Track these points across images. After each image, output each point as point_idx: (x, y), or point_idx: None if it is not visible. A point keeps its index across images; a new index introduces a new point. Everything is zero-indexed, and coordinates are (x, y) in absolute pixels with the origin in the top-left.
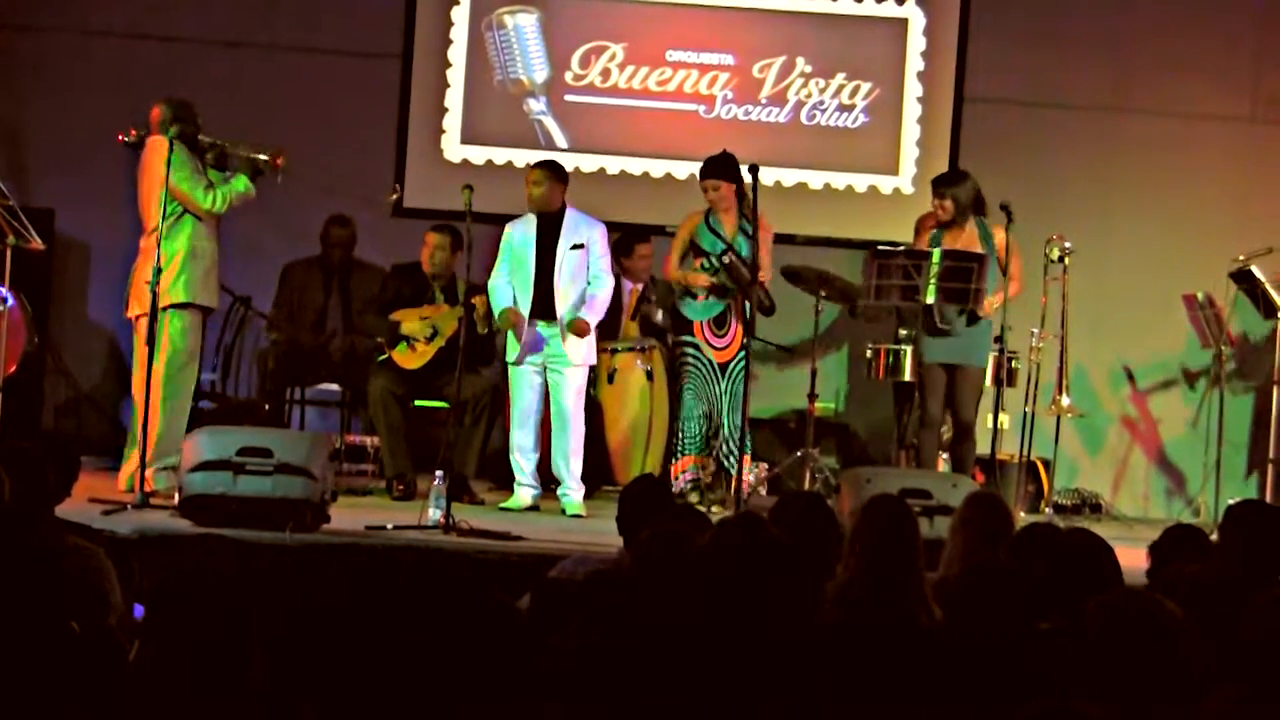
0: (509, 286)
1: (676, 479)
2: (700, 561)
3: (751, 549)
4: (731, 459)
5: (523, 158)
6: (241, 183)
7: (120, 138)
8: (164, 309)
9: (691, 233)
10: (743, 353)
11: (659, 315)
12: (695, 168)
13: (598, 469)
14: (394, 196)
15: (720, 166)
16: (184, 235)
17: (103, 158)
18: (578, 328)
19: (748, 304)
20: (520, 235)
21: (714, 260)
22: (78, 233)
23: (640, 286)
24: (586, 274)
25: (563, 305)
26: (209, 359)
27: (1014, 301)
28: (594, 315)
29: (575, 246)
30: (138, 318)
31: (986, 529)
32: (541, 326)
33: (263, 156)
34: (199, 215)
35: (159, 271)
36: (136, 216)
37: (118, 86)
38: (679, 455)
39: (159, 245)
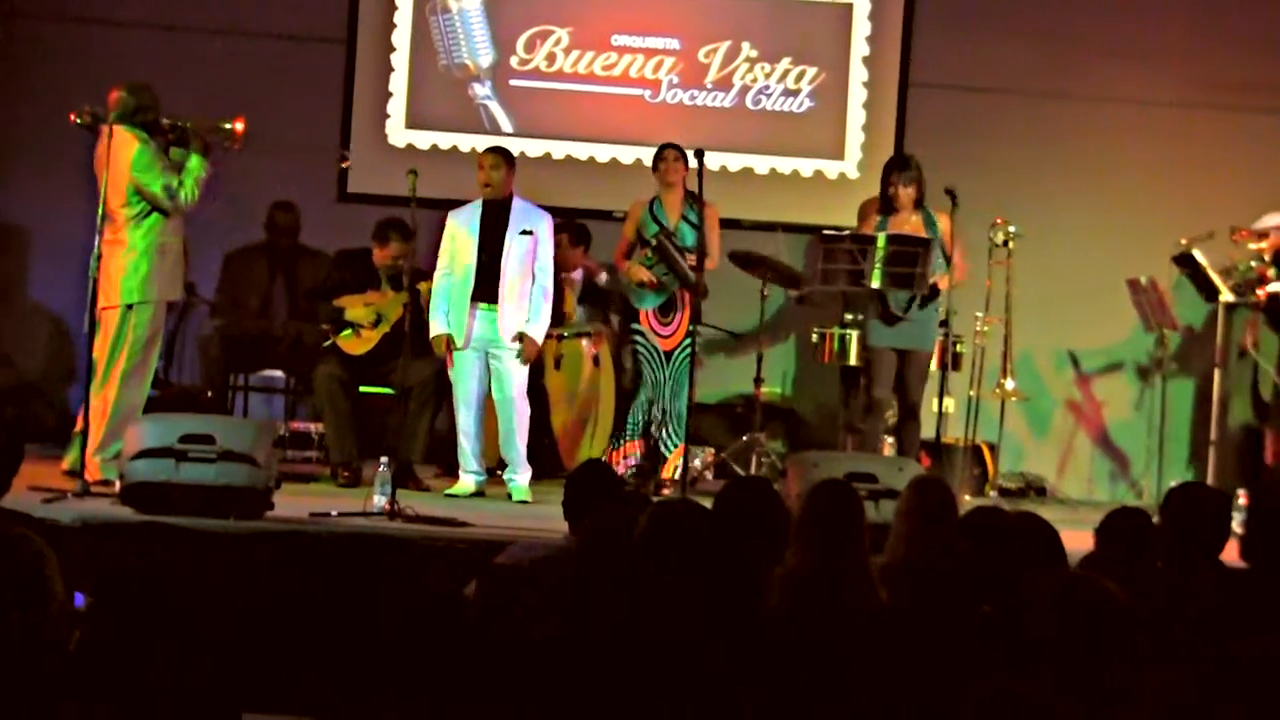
0: (449, 289)
1: (618, 465)
2: (637, 546)
3: (685, 533)
4: (669, 444)
5: (468, 143)
6: (197, 164)
7: (73, 117)
8: (128, 306)
9: (637, 222)
10: (688, 340)
11: (603, 276)
12: (641, 152)
13: (544, 454)
14: (345, 165)
15: (679, 147)
16: (151, 230)
17: (44, 142)
18: (528, 353)
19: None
20: (464, 222)
21: (649, 242)
22: (19, 218)
23: (573, 275)
24: (533, 261)
25: (508, 290)
26: None
27: (955, 289)
28: (544, 319)
29: (525, 232)
30: (103, 310)
31: (931, 513)
32: (484, 310)
33: (225, 126)
34: (166, 211)
35: (99, 258)
36: (81, 201)
37: (57, 70)
38: (623, 441)
39: (123, 239)
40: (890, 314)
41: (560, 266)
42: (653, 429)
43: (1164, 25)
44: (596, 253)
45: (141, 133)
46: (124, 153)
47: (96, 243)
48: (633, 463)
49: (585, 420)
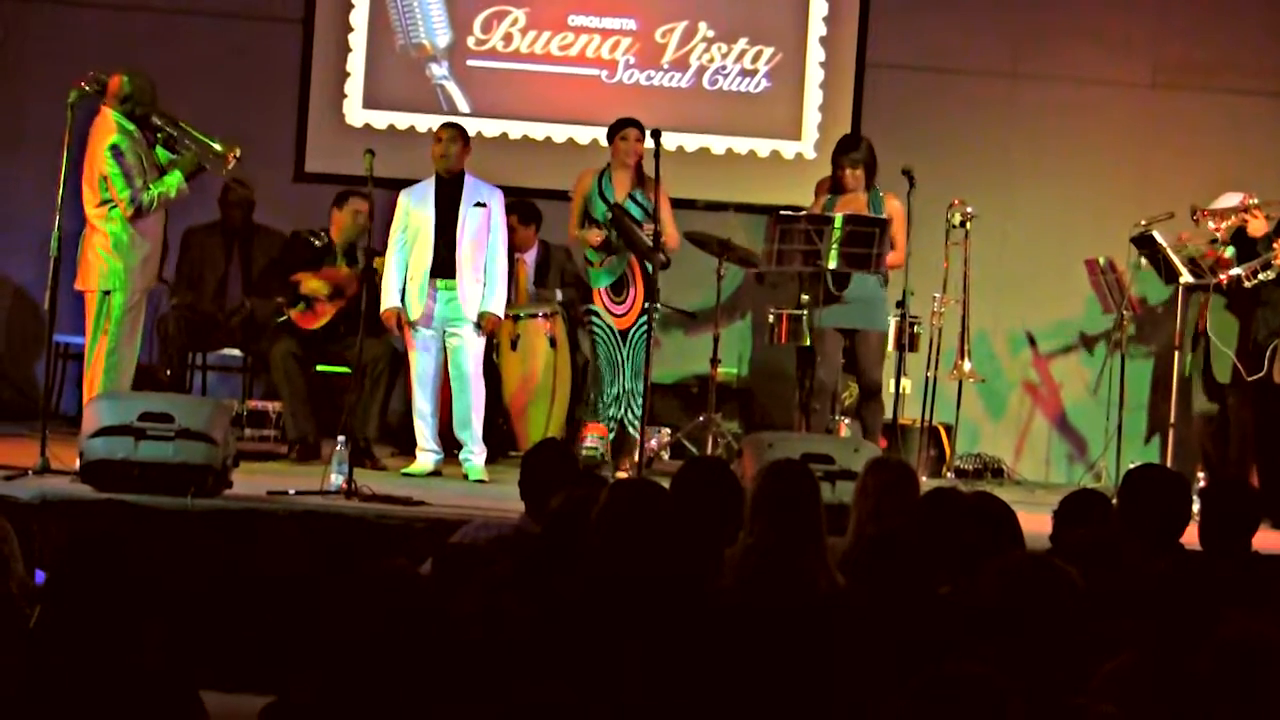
0: (403, 263)
1: (583, 442)
2: (597, 525)
3: (643, 513)
4: (634, 425)
5: (425, 123)
6: (175, 180)
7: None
8: (105, 292)
9: (585, 197)
10: (643, 318)
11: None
12: (597, 133)
13: (500, 434)
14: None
15: (642, 126)
16: (124, 218)
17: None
18: (487, 326)
19: (647, 265)
20: (418, 198)
21: (604, 224)
22: None
23: (525, 257)
24: (486, 235)
25: (464, 264)
26: None
27: (894, 271)
28: (500, 293)
29: (478, 204)
30: (83, 292)
31: (891, 494)
32: (441, 286)
33: (217, 147)
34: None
35: (59, 240)
36: (42, 176)
37: (11, 48)
38: (587, 420)
39: (99, 224)
40: (829, 294)
41: (513, 247)
42: (613, 412)
43: (1131, 6)
44: (549, 231)
45: (127, 122)
46: (101, 139)
47: (57, 220)
48: (589, 443)
49: (541, 400)
